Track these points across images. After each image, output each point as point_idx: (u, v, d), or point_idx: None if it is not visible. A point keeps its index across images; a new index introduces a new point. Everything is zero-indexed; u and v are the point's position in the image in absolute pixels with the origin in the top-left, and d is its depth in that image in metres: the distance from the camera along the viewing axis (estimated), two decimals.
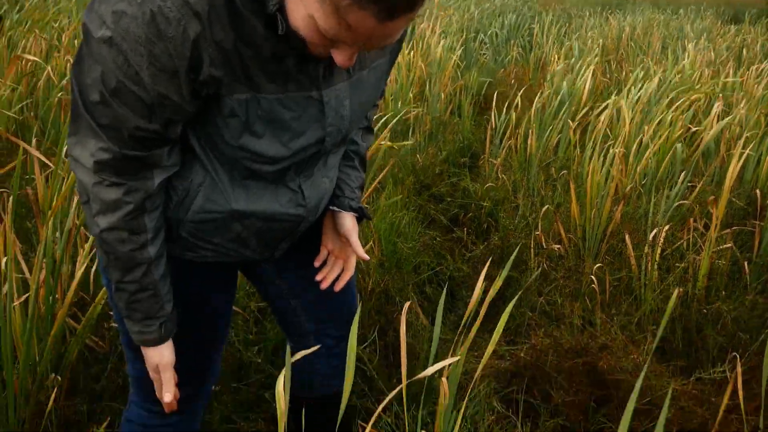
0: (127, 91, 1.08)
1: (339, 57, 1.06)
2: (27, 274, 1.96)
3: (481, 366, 1.35)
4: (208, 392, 1.62)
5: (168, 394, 1.38)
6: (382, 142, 3.35)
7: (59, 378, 1.76)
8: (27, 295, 1.74)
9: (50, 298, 1.81)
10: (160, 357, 1.36)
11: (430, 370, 1.28)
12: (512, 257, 1.38)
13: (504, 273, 1.34)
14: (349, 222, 1.52)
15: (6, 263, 1.83)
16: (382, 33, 0.98)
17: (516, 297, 1.45)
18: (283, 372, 1.23)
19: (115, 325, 2.12)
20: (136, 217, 1.21)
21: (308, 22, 1.00)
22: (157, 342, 1.34)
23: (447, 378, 1.44)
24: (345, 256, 1.60)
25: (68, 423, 1.75)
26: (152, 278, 1.28)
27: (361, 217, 1.56)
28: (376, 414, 1.27)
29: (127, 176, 1.18)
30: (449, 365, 1.48)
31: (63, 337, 1.94)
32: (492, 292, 1.48)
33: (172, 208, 1.29)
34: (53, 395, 1.64)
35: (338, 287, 1.60)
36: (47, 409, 1.61)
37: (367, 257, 1.52)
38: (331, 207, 1.53)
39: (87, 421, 1.79)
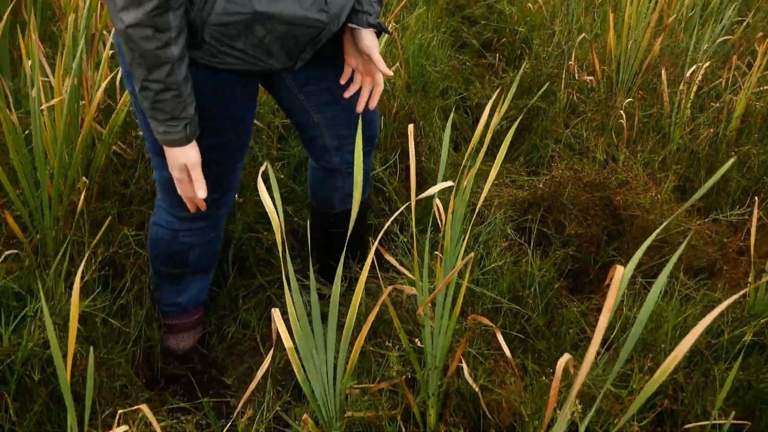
0: None
1: None
2: (51, 78, 1.97)
3: (486, 190, 1.37)
4: (229, 201, 1.69)
5: (201, 191, 1.45)
6: None
7: (88, 181, 1.83)
8: (54, 100, 1.76)
9: (76, 103, 1.83)
10: (186, 157, 1.42)
11: (433, 190, 1.32)
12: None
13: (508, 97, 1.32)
14: (368, 38, 1.50)
15: (31, 66, 1.84)
16: None
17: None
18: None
19: (141, 133, 2.16)
20: (160, 13, 1.22)
21: None
22: (183, 142, 1.39)
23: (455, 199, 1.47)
24: (370, 74, 1.59)
25: (99, 224, 1.84)
26: (175, 78, 1.30)
27: (380, 32, 1.53)
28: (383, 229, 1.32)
29: None
30: (463, 188, 1.51)
31: (92, 144, 1.99)
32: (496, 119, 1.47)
33: (195, 10, 1.29)
34: (83, 196, 1.71)
35: (372, 105, 1.61)
36: (78, 209, 1.69)
37: (390, 73, 1.51)
38: (349, 24, 1.50)
39: (118, 223, 1.88)
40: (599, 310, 2.04)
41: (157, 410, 1.61)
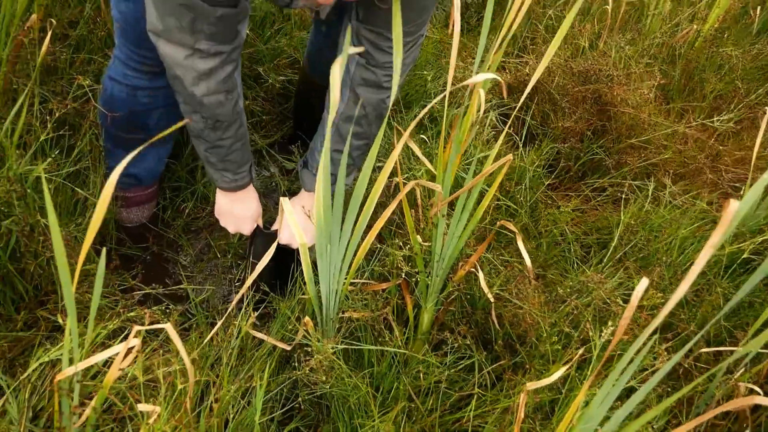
0: None
1: None
2: None
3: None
4: None
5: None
6: None
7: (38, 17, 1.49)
8: None
9: None
10: (253, 199, 1.49)
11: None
12: None
13: None
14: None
15: None
16: None
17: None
18: None
19: None
20: (230, 76, 1.24)
21: None
22: (248, 182, 1.45)
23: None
24: None
25: (48, 71, 1.54)
26: (243, 129, 1.36)
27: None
28: None
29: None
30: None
31: None
32: None
33: None
34: (36, 34, 1.37)
35: None
36: (42, 53, 1.36)
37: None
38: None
39: (68, 69, 1.58)
40: (575, 210, 1.97)
41: (127, 297, 1.42)
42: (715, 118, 2.24)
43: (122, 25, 1.34)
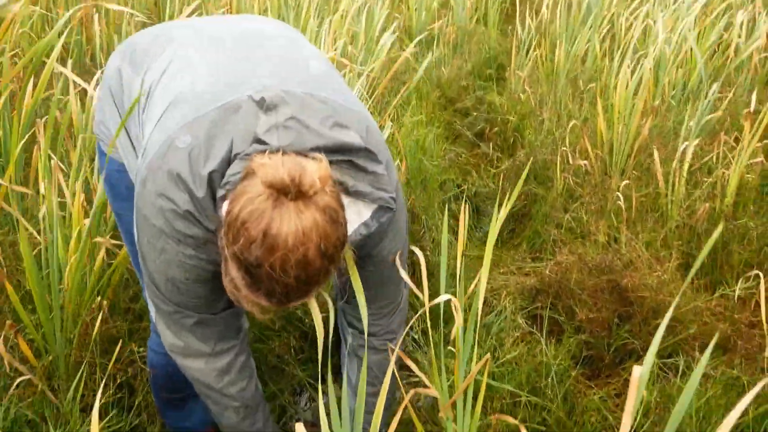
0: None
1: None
2: (68, 198, 2.01)
3: (484, 280, 1.37)
4: None
5: None
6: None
7: (101, 300, 1.83)
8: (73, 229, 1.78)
9: (96, 226, 1.85)
10: None
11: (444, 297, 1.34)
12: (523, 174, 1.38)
13: (516, 189, 1.35)
14: None
15: (45, 188, 1.87)
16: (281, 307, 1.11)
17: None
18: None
19: None
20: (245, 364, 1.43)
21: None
22: None
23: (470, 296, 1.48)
24: None
25: (111, 341, 1.83)
26: (265, 403, 1.54)
27: None
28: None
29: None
30: (475, 284, 1.53)
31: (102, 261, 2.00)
32: (506, 208, 1.50)
33: None
34: (99, 320, 1.69)
35: None
36: (94, 331, 1.68)
37: None
38: None
39: (128, 340, 1.87)
40: (618, 395, 2.02)
41: None
42: (735, 288, 2.30)
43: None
